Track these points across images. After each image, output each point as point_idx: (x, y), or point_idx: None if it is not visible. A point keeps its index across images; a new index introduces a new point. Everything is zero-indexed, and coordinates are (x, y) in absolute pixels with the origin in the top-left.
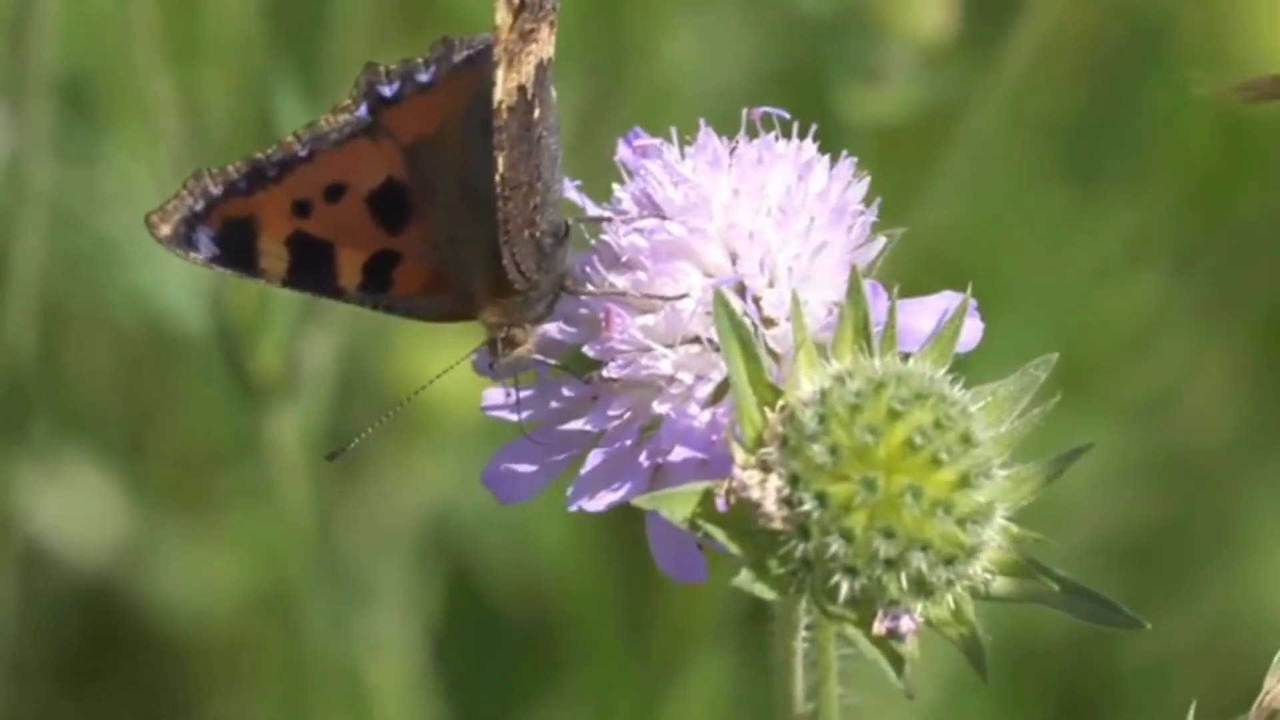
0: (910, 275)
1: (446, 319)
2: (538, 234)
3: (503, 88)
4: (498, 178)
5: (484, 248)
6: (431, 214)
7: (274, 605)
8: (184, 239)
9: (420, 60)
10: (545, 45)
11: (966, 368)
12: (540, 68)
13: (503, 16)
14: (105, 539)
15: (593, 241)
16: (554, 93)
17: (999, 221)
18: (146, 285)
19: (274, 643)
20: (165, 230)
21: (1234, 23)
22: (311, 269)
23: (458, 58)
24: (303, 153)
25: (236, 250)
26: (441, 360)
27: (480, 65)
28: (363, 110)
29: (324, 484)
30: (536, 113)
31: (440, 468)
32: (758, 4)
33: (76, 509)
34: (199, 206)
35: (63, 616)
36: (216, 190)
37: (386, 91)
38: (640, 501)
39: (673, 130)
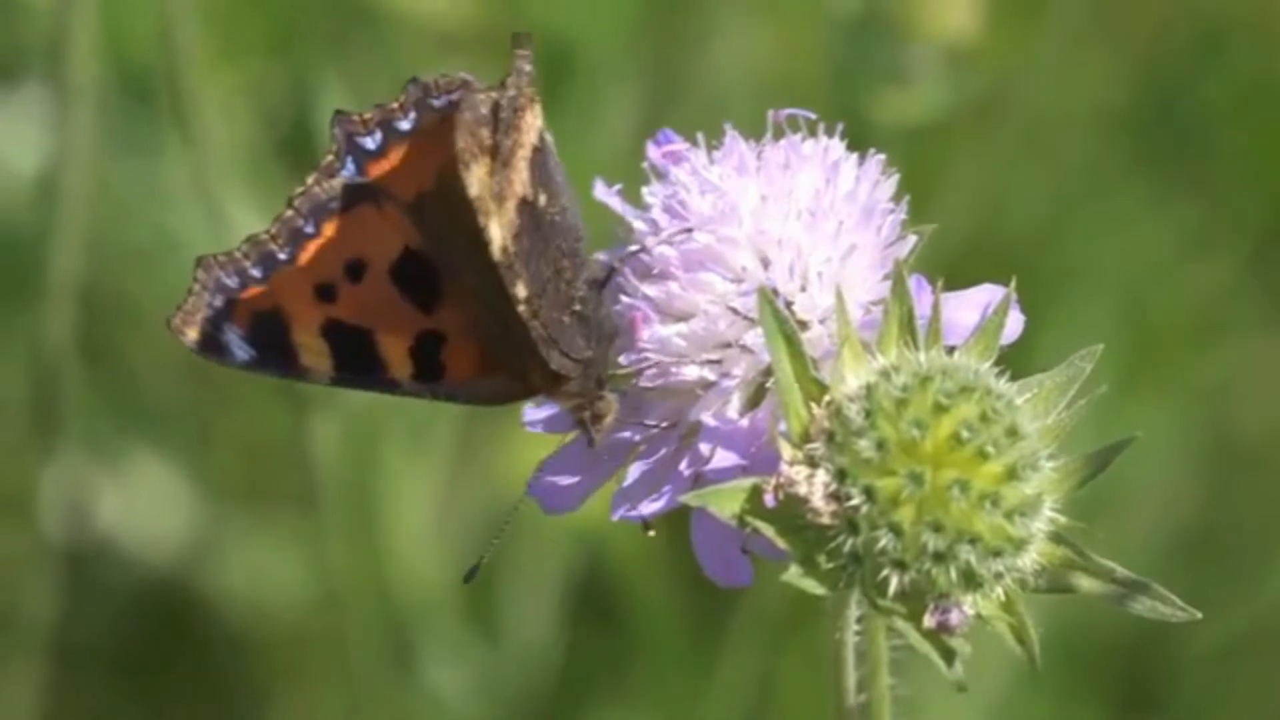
0: (977, 266)
1: (511, 400)
2: (576, 306)
3: (499, 235)
4: (520, 307)
5: (522, 332)
6: (459, 283)
7: (335, 602)
8: (214, 343)
9: (396, 105)
10: (531, 133)
11: (1029, 357)
12: (534, 158)
13: (479, 177)
14: (171, 533)
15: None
16: (550, 142)
17: (1068, 211)
18: None
19: (338, 637)
20: (192, 335)
21: None
22: (356, 361)
23: (438, 103)
24: (308, 228)
25: (272, 348)
26: None
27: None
28: (349, 168)
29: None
30: (542, 199)
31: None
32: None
33: (143, 503)
34: (218, 302)
35: (128, 609)
36: (231, 281)
37: (369, 144)
38: (689, 499)
39: (699, 135)
